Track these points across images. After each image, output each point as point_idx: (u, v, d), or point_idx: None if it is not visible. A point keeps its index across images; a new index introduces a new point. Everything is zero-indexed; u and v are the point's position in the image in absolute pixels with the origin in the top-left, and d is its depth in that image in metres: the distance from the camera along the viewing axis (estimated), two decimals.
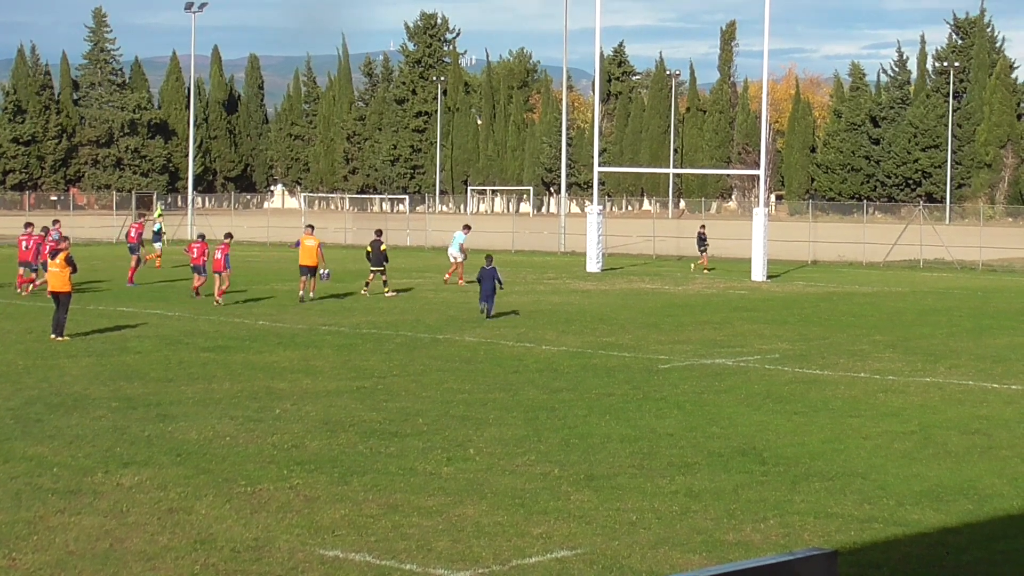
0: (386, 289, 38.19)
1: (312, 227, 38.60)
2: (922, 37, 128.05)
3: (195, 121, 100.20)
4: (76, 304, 33.75)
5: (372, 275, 38.55)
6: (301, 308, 33.83)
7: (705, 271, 51.63)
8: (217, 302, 34.30)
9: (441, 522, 12.85)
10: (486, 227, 72.58)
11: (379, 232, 39.81)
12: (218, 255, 34.95)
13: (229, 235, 37.28)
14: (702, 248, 52.49)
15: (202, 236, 38.37)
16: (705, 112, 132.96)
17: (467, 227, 44.90)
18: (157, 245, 52.80)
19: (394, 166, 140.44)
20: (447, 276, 43.43)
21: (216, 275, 35.04)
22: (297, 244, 37.15)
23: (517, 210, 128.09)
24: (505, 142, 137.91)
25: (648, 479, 14.72)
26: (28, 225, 38.69)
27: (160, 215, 67.20)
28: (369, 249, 39.02)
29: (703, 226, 54.85)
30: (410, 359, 24.22)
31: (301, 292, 35.90)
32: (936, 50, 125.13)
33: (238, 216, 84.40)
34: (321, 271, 36.20)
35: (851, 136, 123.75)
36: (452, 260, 43.76)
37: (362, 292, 38.18)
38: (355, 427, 17.45)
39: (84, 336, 27.13)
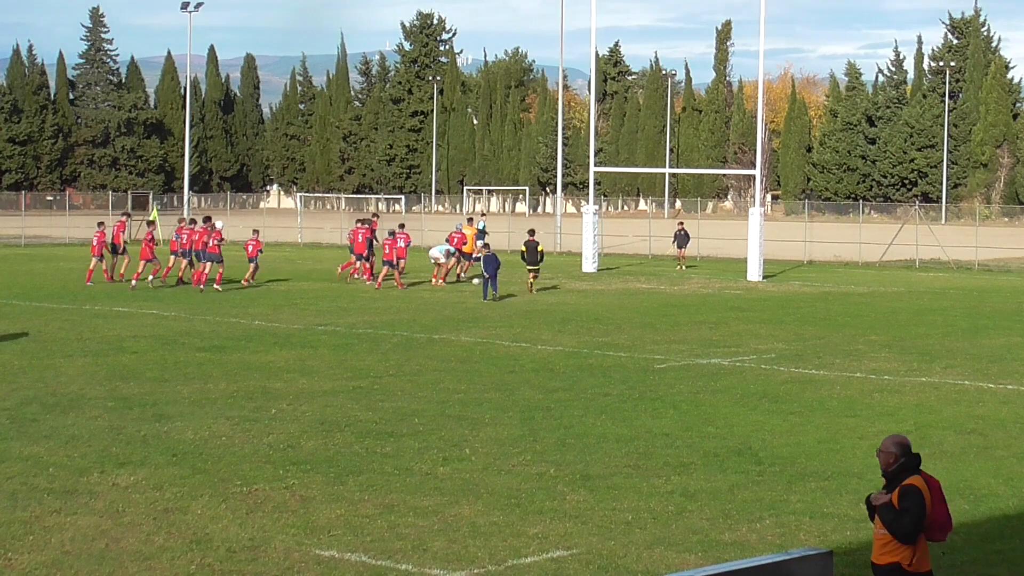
0: (536, 286, 39.83)
1: (472, 219, 47.35)
2: (919, 37, 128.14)
3: (191, 121, 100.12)
4: (72, 304, 33.78)
5: (532, 274, 39.93)
6: (296, 308, 33.85)
7: (683, 267, 52.25)
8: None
9: (437, 522, 12.85)
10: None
11: (532, 232, 41.36)
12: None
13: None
14: (681, 244, 53.17)
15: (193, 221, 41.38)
16: (701, 112, 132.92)
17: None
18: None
19: (390, 166, 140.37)
20: (436, 279, 42.75)
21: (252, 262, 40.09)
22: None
23: (513, 210, 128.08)
24: (501, 142, 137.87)
25: (644, 479, 14.73)
26: (212, 225, 41.16)
27: (156, 216, 67.13)
28: (524, 249, 40.30)
29: (681, 223, 55.28)
30: (406, 359, 24.22)
31: (461, 273, 44.54)
32: (932, 50, 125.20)
33: (234, 216, 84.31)
34: (476, 254, 43.20)
35: (847, 136, 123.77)
36: (433, 261, 43.11)
37: (529, 291, 39.54)
38: (351, 427, 17.45)
39: (80, 336, 27.11)
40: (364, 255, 42.27)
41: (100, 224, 43.10)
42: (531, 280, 40.00)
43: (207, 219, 41.88)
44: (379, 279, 40.44)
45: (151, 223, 44.31)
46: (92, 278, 40.50)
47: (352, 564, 11.57)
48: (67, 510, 13.13)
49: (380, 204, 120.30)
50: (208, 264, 38.93)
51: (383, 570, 11.47)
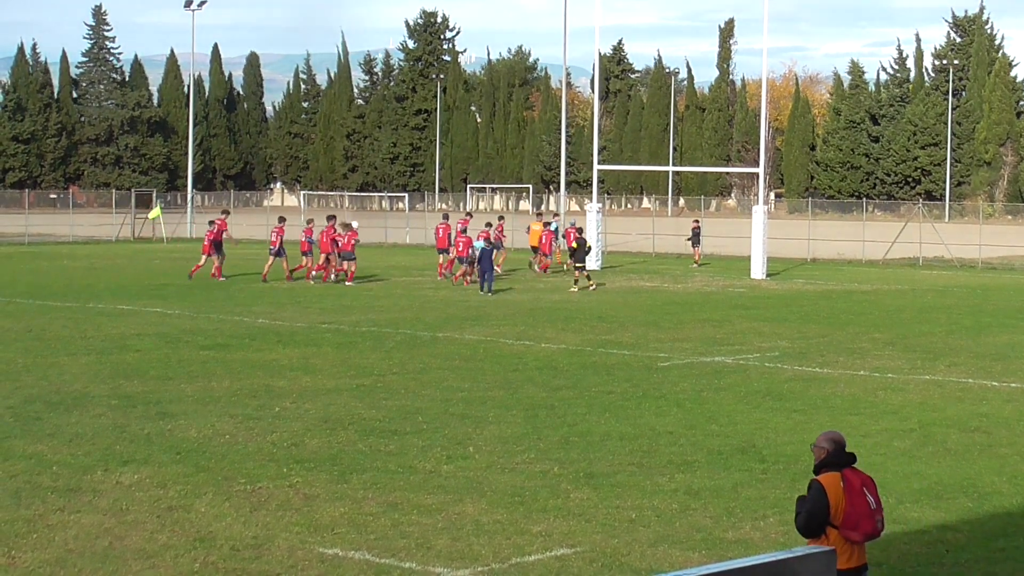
0: (590, 284, 40.77)
1: (540, 214, 51.45)
2: (917, 35, 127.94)
3: (195, 119, 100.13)
4: (76, 302, 33.80)
5: (578, 271, 40.90)
6: (300, 306, 33.85)
7: (695, 265, 52.32)
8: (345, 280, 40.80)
9: (440, 520, 12.85)
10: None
11: (580, 230, 43.25)
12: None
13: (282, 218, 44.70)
14: (696, 243, 53.27)
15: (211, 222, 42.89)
16: (704, 110, 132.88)
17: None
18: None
19: (394, 164, 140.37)
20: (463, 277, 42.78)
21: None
22: (528, 230, 48.10)
23: (517, 208, 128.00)
24: (504, 140, 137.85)
25: (647, 477, 14.72)
26: (347, 225, 42.80)
27: (159, 214, 67.09)
28: (575, 246, 41.31)
29: (697, 221, 55.31)
30: (410, 357, 24.22)
31: (538, 268, 47.57)
32: (935, 48, 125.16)
33: (237, 214, 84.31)
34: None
35: (850, 134, 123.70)
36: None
37: (591, 288, 40.20)
38: (354, 425, 17.45)
39: (83, 334, 27.10)
40: (445, 249, 44.73)
41: (211, 223, 43.81)
42: (577, 276, 40.66)
43: (331, 218, 43.63)
44: (456, 275, 42.29)
45: (156, 221, 44.63)
46: (196, 275, 41.75)
47: (356, 562, 11.57)
48: (71, 508, 13.14)
49: (384, 202, 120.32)
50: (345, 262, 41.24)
51: (387, 568, 11.46)
